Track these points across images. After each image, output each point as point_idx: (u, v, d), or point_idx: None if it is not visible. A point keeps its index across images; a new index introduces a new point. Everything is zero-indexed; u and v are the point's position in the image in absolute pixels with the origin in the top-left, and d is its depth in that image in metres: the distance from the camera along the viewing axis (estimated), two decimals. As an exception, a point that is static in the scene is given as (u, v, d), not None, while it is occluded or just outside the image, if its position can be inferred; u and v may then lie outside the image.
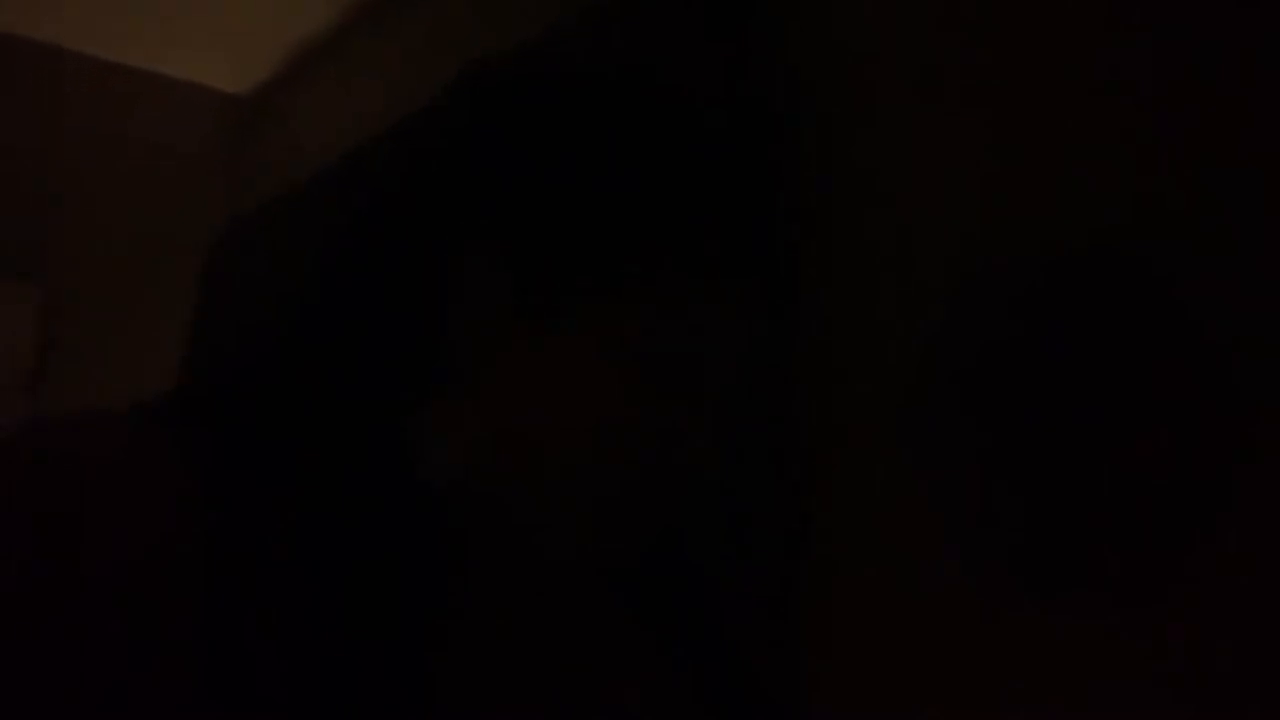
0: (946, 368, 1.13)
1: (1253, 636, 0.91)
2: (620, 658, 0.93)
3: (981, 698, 1.06)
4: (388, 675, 0.81)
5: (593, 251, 0.83)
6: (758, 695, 0.96)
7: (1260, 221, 0.93)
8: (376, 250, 0.87)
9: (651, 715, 0.92)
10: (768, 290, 0.87)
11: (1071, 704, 0.98)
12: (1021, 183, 1.10)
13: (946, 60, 1.18)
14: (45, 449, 0.79)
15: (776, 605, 1.20)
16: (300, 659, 0.78)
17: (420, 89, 0.97)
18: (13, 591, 0.71)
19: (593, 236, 0.83)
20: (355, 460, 0.82)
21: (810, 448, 1.24)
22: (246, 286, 1.02)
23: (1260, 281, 0.93)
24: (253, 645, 0.76)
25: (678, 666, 0.94)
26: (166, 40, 2.65)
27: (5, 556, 0.72)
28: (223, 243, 1.04)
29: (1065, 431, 1.03)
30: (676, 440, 0.84)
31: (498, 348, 0.83)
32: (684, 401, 0.84)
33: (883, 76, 1.26)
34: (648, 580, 0.90)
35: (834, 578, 1.20)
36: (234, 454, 0.81)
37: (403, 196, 0.88)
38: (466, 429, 0.83)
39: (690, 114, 0.88)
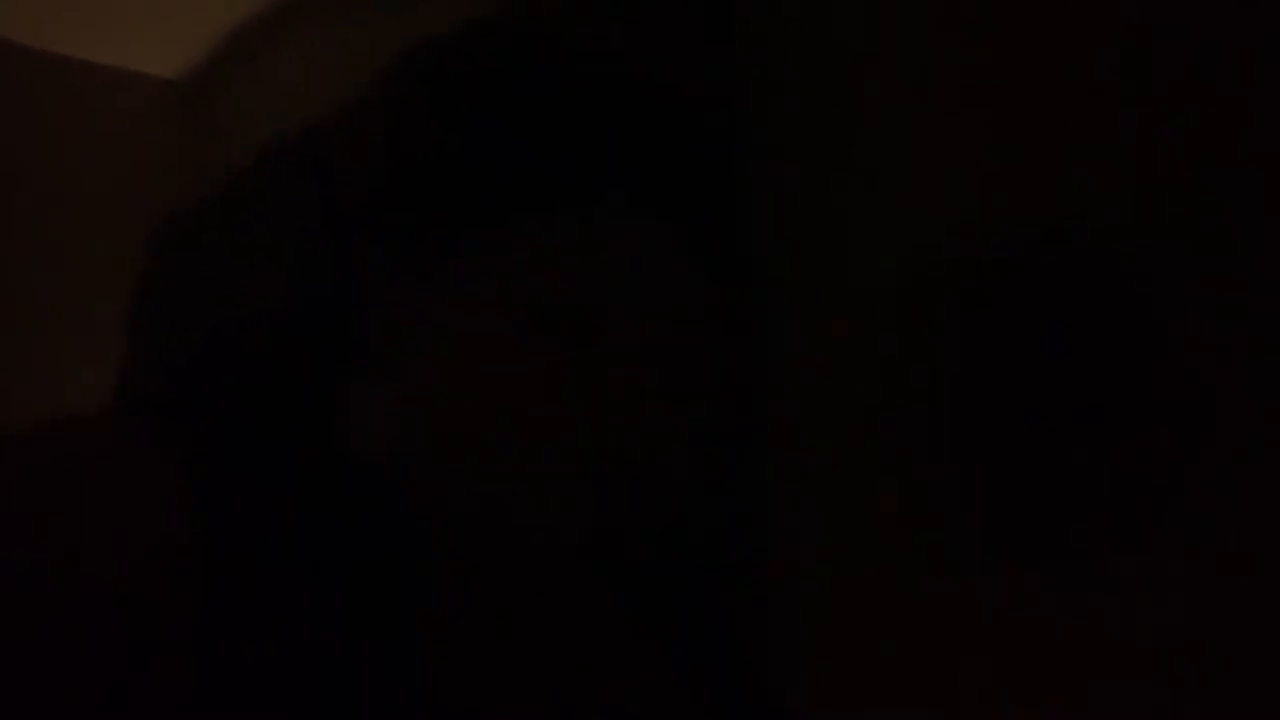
0: (920, 350, 1.14)
1: (1227, 619, 0.92)
2: (593, 632, 0.93)
3: (968, 688, 1.07)
4: (355, 663, 0.80)
5: (497, 206, 0.83)
6: (729, 673, 0.96)
7: (1235, 217, 0.95)
8: (308, 242, 0.87)
9: (632, 699, 0.92)
10: (696, 244, 0.86)
11: (1071, 702, 0.99)
12: (996, 172, 1.11)
13: (923, 47, 1.18)
14: (36, 451, 0.78)
15: (742, 580, 1.20)
16: (289, 655, 0.77)
17: (363, 72, 0.96)
18: (12, 594, 0.70)
19: (499, 193, 0.83)
20: (302, 448, 0.82)
21: (768, 417, 1.25)
22: (191, 279, 1.01)
23: (1231, 269, 0.94)
24: (247, 644, 0.76)
25: (649, 636, 0.94)
26: (98, 25, 2.60)
27: (4, 560, 0.70)
28: (164, 233, 1.02)
29: (1042, 414, 1.04)
30: (622, 399, 0.84)
31: (402, 321, 0.83)
32: (623, 358, 0.83)
33: (851, 52, 1.26)
34: (614, 551, 0.89)
35: (797, 554, 1.21)
36: (218, 450, 0.81)
37: (334, 190, 0.88)
38: (396, 408, 0.82)
39: (626, 67, 0.87)
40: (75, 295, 2.47)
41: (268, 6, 2.55)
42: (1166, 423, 0.95)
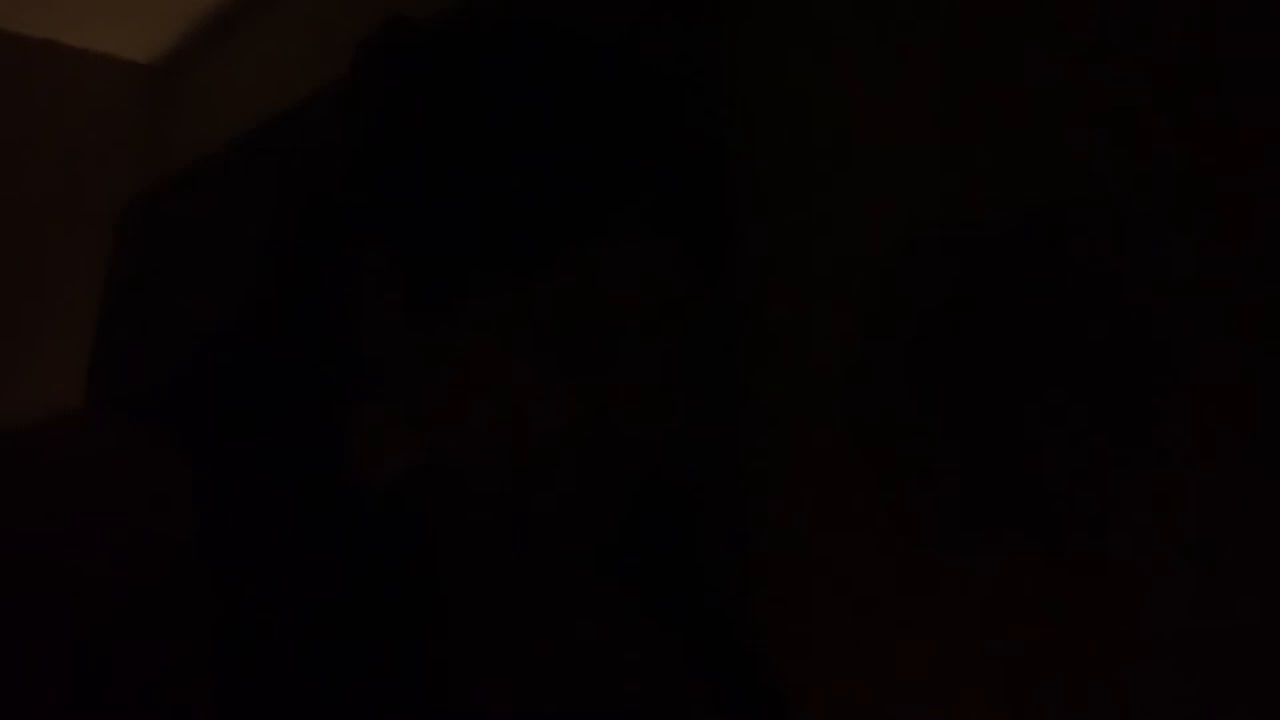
0: (888, 332, 1.14)
1: (1211, 600, 0.93)
2: (600, 635, 0.92)
3: (962, 677, 1.07)
4: (361, 666, 0.79)
5: (504, 222, 0.80)
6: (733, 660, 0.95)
7: (1210, 201, 0.95)
8: (287, 241, 0.86)
9: (640, 698, 0.92)
10: (694, 253, 0.85)
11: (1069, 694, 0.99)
12: (961, 153, 1.11)
13: (892, 31, 1.18)
14: (39, 447, 0.76)
15: (731, 570, 1.20)
16: (293, 660, 0.76)
17: (335, 55, 0.96)
18: (15, 593, 0.68)
19: (504, 209, 0.80)
20: (312, 457, 0.81)
21: (762, 412, 1.25)
22: (164, 270, 1.00)
23: (1191, 249, 0.95)
24: (250, 646, 0.74)
25: (669, 636, 0.93)
26: (70, 8, 2.57)
27: (7, 558, 0.68)
28: (134, 220, 1.01)
29: (1005, 392, 1.05)
30: (626, 405, 0.82)
31: (407, 341, 0.81)
32: (628, 366, 0.82)
33: (829, 40, 1.25)
34: (631, 552, 0.89)
35: (789, 541, 1.21)
36: (218, 450, 0.80)
37: (301, 182, 0.87)
38: (403, 427, 0.80)
39: (621, 72, 0.86)
40: (43, 283, 2.45)
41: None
42: (1145, 403, 0.96)
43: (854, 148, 1.20)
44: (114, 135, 2.64)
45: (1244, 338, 0.91)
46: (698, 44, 1.33)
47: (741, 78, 1.31)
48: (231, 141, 2.24)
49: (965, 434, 1.07)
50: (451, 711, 0.82)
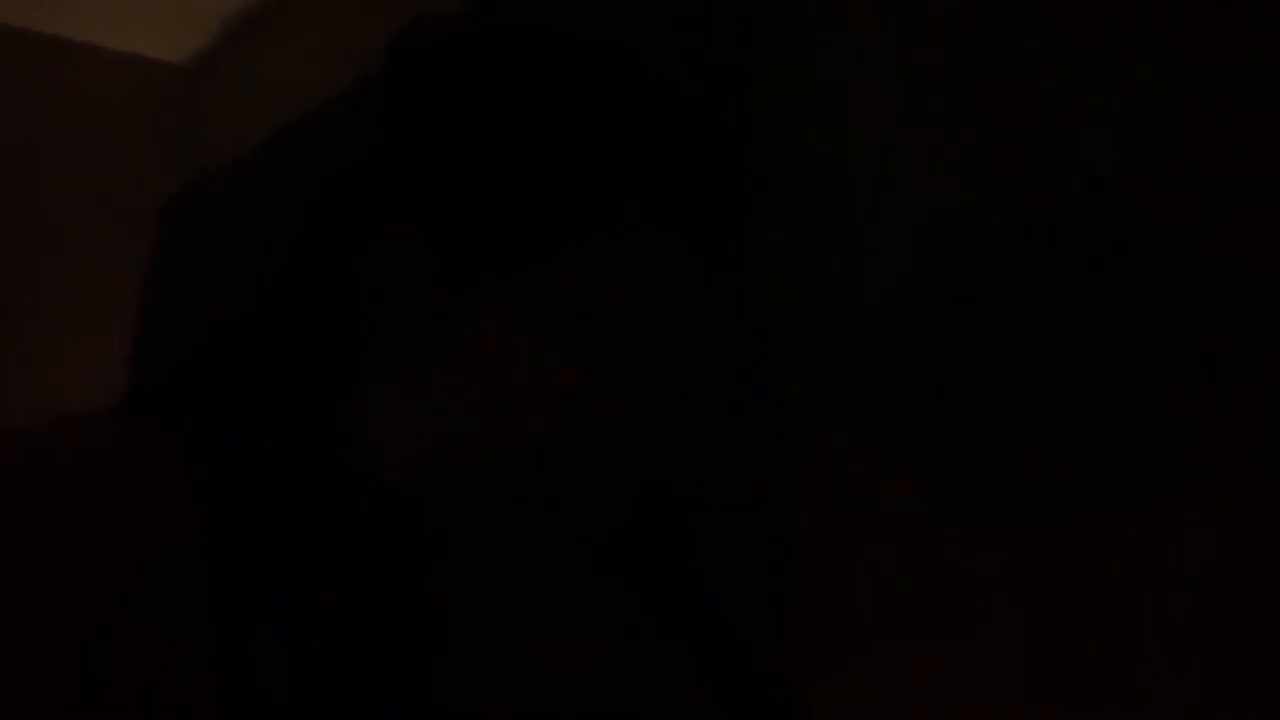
0: (914, 327, 1.13)
1: (1227, 593, 0.92)
2: (608, 637, 0.92)
3: (957, 654, 1.06)
4: (363, 665, 0.79)
5: (521, 218, 0.81)
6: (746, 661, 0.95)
7: (1227, 195, 0.94)
8: (309, 234, 0.86)
9: (646, 698, 0.92)
10: (714, 249, 0.86)
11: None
12: (984, 148, 1.10)
13: (914, 28, 1.18)
14: (40, 448, 0.77)
15: (753, 569, 1.20)
16: (296, 658, 0.76)
17: (365, 56, 0.96)
18: (15, 592, 0.69)
19: (521, 205, 0.82)
20: (315, 453, 0.81)
21: (780, 411, 1.24)
22: (200, 263, 1.01)
23: (1216, 239, 0.94)
24: (252, 645, 0.75)
25: (669, 635, 0.93)
26: (104, 10, 2.58)
27: (9, 559, 0.69)
28: (171, 217, 1.02)
29: (1032, 385, 1.04)
30: (629, 404, 0.83)
31: (429, 328, 0.82)
32: (632, 365, 0.82)
33: (847, 38, 1.25)
34: (631, 550, 0.89)
35: (806, 539, 1.21)
36: (221, 449, 0.80)
37: (332, 175, 0.88)
38: (418, 414, 0.81)
39: (635, 73, 0.86)
40: (80, 280, 2.47)
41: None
42: (1165, 396, 0.96)
43: (879, 147, 1.20)
44: (149, 136, 2.65)
45: (1273, 335, 0.90)
46: (718, 45, 1.33)
47: (766, 79, 1.31)
48: (261, 140, 2.26)
49: (991, 432, 1.07)
50: (451, 710, 0.83)
